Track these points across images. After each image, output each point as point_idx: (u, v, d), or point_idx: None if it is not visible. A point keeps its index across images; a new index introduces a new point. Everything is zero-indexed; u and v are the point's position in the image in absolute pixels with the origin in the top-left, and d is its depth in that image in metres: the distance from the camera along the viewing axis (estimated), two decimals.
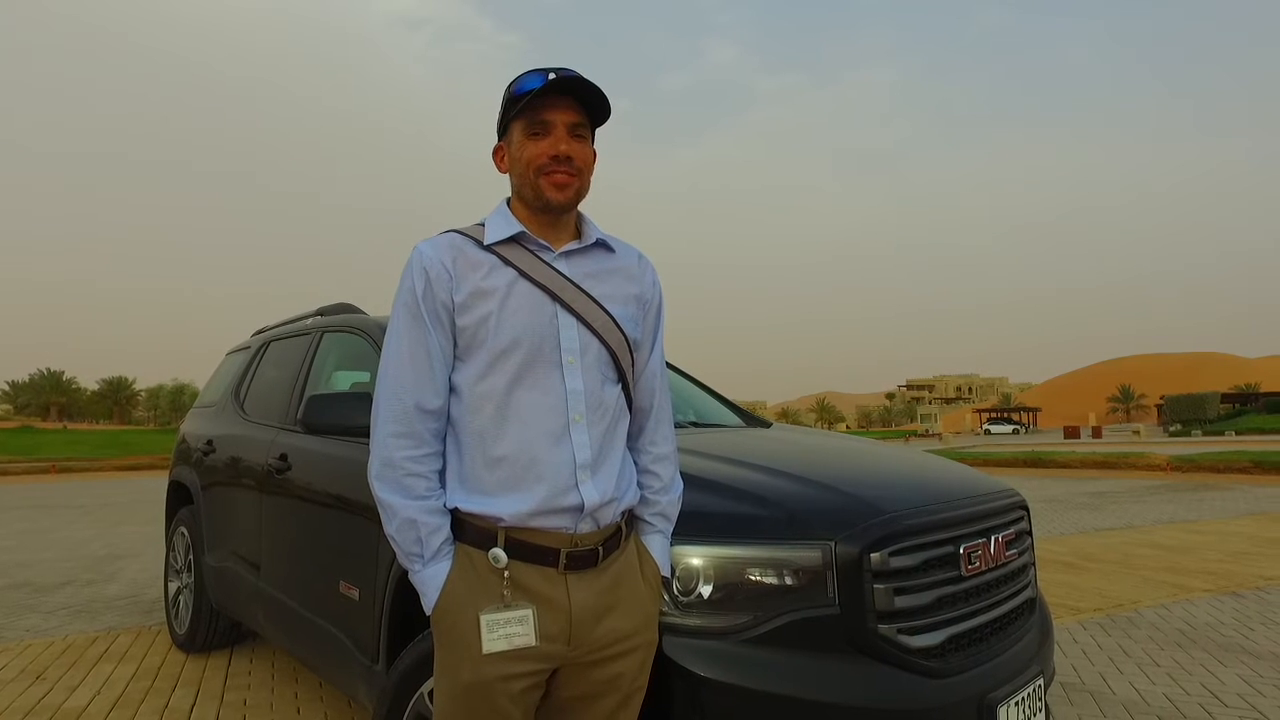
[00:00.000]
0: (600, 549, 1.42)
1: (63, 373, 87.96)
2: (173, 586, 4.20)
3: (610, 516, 1.44)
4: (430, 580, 1.39)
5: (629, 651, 1.44)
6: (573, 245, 1.49)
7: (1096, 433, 49.18)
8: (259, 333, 4.30)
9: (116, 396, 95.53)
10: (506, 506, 1.37)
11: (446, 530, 1.41)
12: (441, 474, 1.44)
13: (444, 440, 1.45)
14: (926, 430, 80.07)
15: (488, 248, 1.43)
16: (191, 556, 3.89)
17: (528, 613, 1.35)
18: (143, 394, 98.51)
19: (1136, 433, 47.56)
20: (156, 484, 16.77)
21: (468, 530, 1.40)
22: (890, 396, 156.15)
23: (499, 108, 1.49)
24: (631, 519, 1.54)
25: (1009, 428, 67.21)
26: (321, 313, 3.60)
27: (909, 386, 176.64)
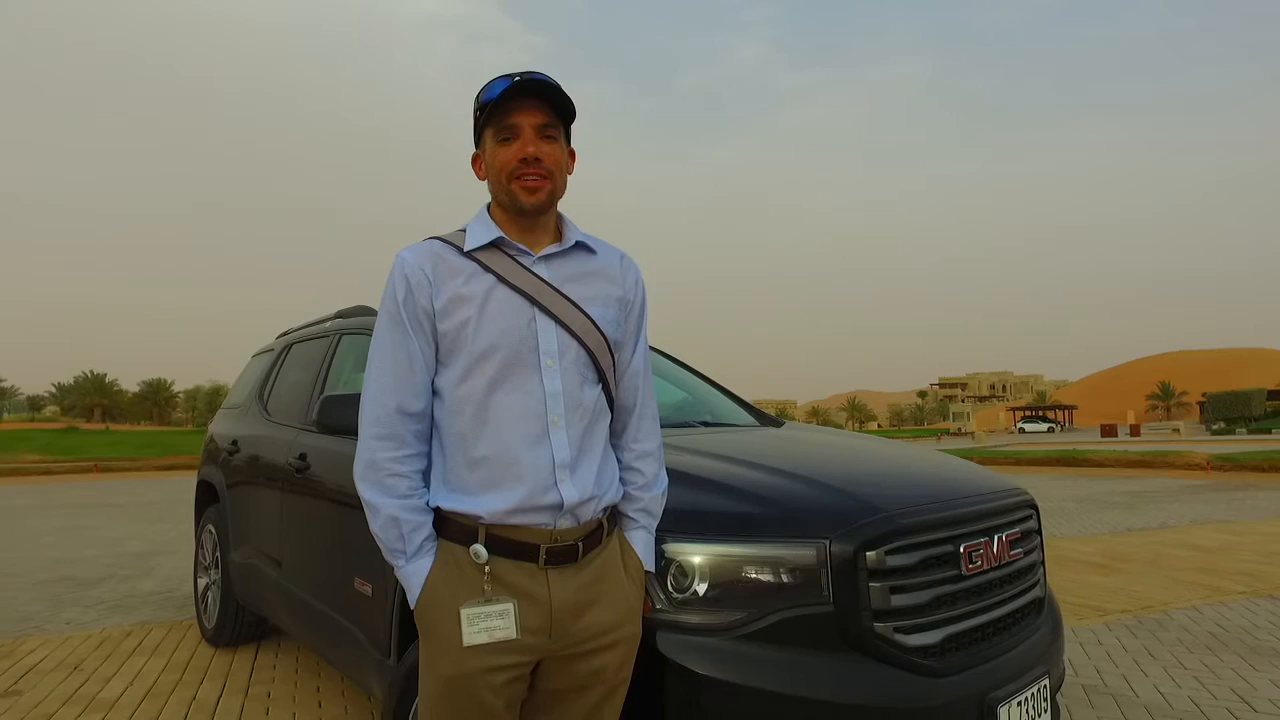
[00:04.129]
0: (581, 545, 1.45)
1: (105, 375, 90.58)
2: (201, 583, 4.32)
3: (591, 513, 1.46)
4: (413, 576, 1.43)
5: (612, 645, 1.47)
6: (553, 248, 1.51)
7: (1134, 431, 48.05)
8: (283, 335, 4.40)
9: (156, 398, 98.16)
10: (486, 505, 1.40)
11: (428, 528, 1.45)
12: (426, 474, 1.49)
13: (428, 441, 1.49)
14: (959, 429, 78.90)
15: (467, 254, 1.46)
16: (219, 553, 4.00)
17: (508, 606, 1.39)
18: (181, 395, 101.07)
19: (1176, 431, 46.38)
20: (192, 483, 17.13)
21: (450, 527, 1.44)
22: (922, 395, 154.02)
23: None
24: (615, 515, 1.56)
25: (1044, 426, 66.05)
26: (340, 315, 3.68)
27: (941, 385, 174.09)
